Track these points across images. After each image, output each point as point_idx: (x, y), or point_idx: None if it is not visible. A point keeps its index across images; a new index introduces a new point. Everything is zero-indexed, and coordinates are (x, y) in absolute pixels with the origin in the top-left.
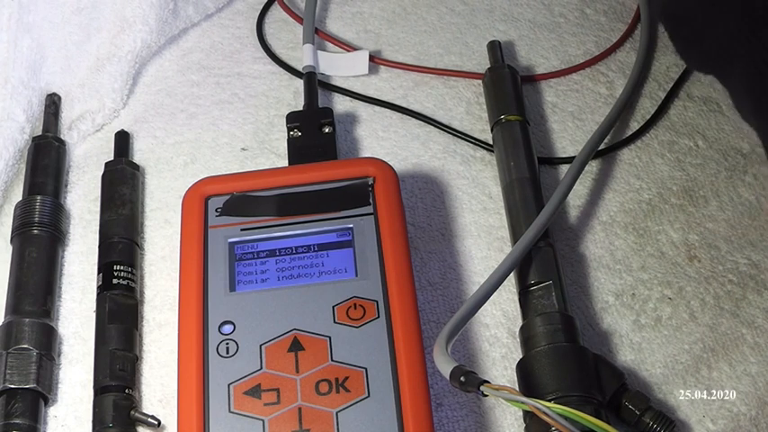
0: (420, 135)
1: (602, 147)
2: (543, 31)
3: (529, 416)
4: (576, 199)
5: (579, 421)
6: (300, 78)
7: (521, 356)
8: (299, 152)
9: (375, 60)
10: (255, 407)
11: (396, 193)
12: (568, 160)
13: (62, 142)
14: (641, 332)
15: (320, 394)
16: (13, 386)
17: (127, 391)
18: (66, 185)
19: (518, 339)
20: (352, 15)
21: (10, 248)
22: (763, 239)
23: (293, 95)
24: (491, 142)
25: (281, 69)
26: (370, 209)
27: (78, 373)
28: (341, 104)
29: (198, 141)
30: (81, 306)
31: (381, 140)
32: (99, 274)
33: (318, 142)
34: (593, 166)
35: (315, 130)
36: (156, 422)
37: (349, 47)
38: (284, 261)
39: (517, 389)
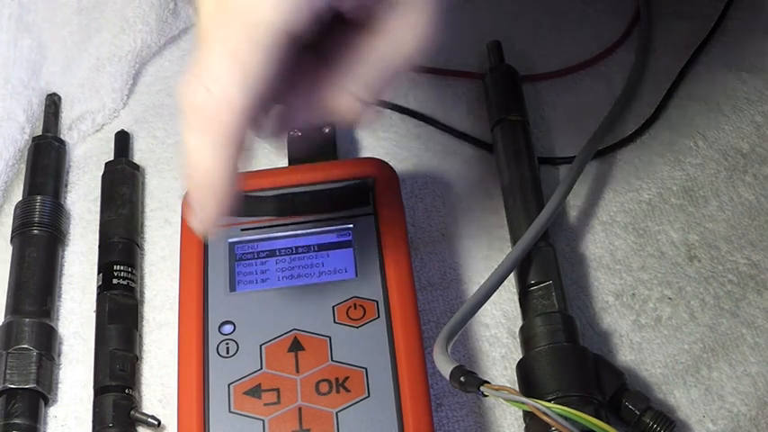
0: (420, 135)
1: (602, 147)
2: (543, 31)
3: (529, 416)
4: (576, 199)
5: (579, 421)
6: None
7: (521, 356)
8: (299, 152)
9: None
10: (255, 407)
11: (396, 193)
12: (568, 160)
13: (62, 142)
14: (641, 332)
15: (320, 394)
16: (13, 386)
17: (127, 391)
18: (67, 185)
19: (518, 339)
20: None
21: (10, 248)
22: (763, 239)
23: None
24: (491, 142)
25: None
26: (370, 209)
27: (78, 373)
28: None
29: None
30: (81, 306)
31: (381, 140)
32: (99, 274)
33: (318, 142)
34: (593, 166)
35: (315, 130)
36: (156, 422)
37: None
38: (284, 261)
39: (517, 389)
